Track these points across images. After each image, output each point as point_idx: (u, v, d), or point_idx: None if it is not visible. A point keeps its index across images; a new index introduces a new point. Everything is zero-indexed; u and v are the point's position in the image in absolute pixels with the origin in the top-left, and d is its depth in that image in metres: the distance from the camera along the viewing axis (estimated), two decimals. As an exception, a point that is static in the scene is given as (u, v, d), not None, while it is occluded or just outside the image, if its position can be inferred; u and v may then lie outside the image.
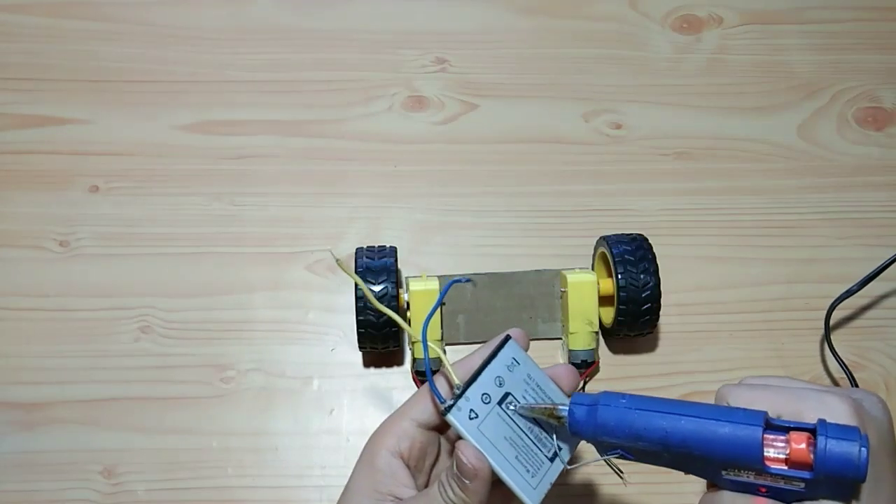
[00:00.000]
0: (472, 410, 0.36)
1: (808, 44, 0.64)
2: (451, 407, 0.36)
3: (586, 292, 0.50)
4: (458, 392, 0.36)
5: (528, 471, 0.36)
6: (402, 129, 0.60)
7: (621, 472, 0.49)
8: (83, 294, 0.54)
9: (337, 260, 0.38)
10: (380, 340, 0.49)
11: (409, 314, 0.50)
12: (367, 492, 0.37)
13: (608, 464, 0.49)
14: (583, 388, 0.52)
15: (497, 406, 0.36)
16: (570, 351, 0.51)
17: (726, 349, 0.54)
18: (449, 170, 0.59)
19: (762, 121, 0.61)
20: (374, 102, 0.61)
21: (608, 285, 0.51)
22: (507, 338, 0.38)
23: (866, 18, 0.65)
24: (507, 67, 0.63)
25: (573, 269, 0.52)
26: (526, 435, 0.37)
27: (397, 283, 0.49)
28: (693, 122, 0.61)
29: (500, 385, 0.37)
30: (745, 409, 0.33)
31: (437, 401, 0.36)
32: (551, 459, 0.37)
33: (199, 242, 0.56)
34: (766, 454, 0.31)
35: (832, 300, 0.54)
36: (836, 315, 0.54)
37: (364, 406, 0.52)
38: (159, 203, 0.57)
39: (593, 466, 0.50)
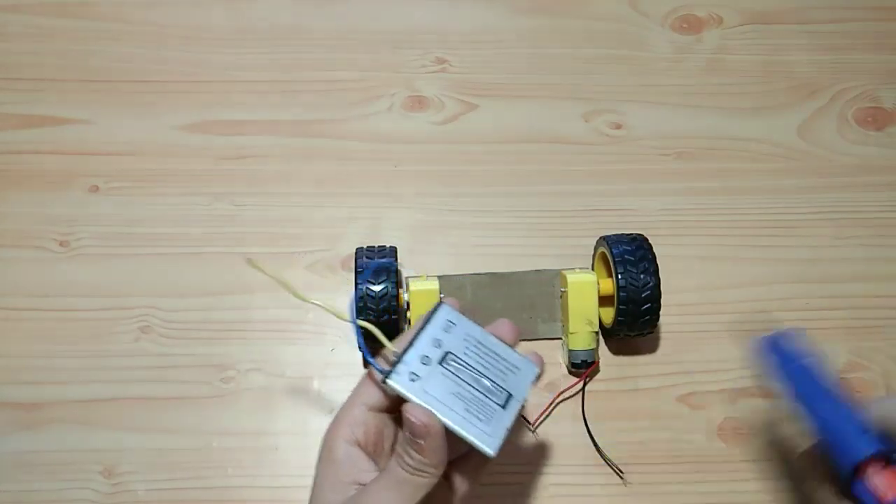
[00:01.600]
0: (412, 373, 0.37)
1: (808, 44, 0.64)
2: (388, 373, 0.37)
3: (586, 292, 0.50)
4: (395, 359, 0.37)
5: (480, 420, 0.37)
6: (402, 129, 0.60)
7: (621, 472, 0.49)
8: (83, 294, 0.54)
9: (248, 259, 0.39)
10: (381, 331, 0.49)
11: (408, 314, 0.50)
12: (330, 484, 0.38)
13: (608, 463, 0.49)
14: (583, 388, 0.52)
15: (438, 365, 0.37)
16: (570, 351, 0.51)
17: (726, 349, 0.54)
18: (449, 170, 0.59)
19: (762, 121, 0.61)
20: (374, 102, 0.61)
21: (608, 285, 0.51)
22: (440, 303, 0.39)
23: (866, 18, 0.65)
24: (507, 67, 0.63)
25: (573, 269, 0.52)
26: (473, 387, 0.37)
27: (397, 283, 0.49)
28: (693, 122, 0.61)
29: (439, 346, 0.38)
30: (870, 433, 0.37)
31: (376, 372, 0.37)
32: (503, 406, 0.38)
33: (199, 242, 0.56)
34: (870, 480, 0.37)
35: (833, 300, 0.54)
36: (836, 314, 0.54)
37: (364, 406, 0.52)
38: (159, 203, 0.57)
39: (593, 468, 0.50)
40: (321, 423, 0.51)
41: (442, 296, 0.44)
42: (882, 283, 0.55)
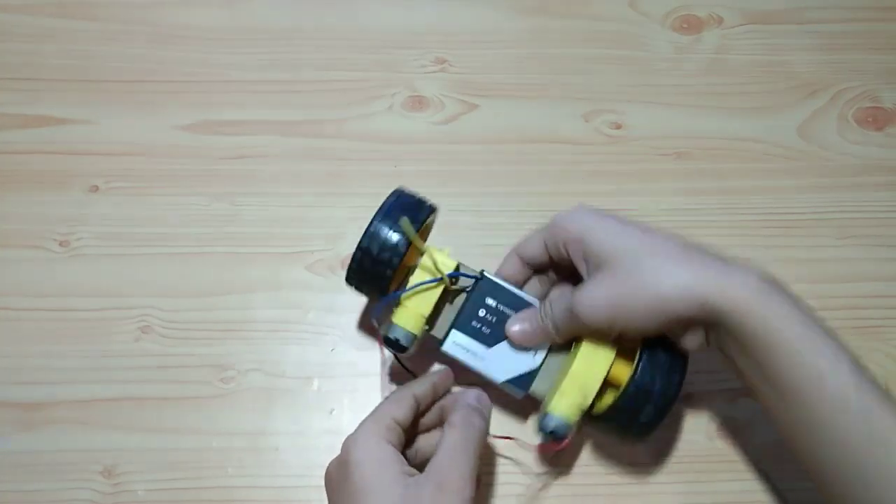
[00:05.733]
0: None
1: (808, 44, 0.64)
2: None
3: (597, 364, 0.44)
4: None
5: None
6: (402, 129, 0.60)
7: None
8: (83, 294, 0.54)
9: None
10: (368, 280, 0.46)
11: (410, 277, 0.46)
12: (390, 478, 0.39)
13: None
14: (550, 460, 0.49)
15: None
16: (547, 412, 0.44)
17: (726, 349, 0.54)
18: (449, 170, 0.59)
19: (762, 121, 0.61)
20: (374, 102, 0.61)
21: (622, 372, 0.44)
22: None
23: (866, 18, 0.65)
24: (507, 67, 0.63)
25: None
26: None
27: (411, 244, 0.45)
28: (693, 122, 0.61)
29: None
30: None
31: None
32: None
33: (199, 242, 0.56)
34: None
35: (832, 300, 0.54)
36: (836, 314, 0.54)
37: (364, 406, 0.52)
38: (159, 203, 0.57)
39: (594, 468, 0.50)
40: (321, 423, 0.51)
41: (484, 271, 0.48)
42: (882, 283, 0.56)
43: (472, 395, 0.43)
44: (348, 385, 0.52)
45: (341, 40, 0.63)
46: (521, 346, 0.46)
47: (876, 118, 0.61)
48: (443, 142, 0.60)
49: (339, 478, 0.41)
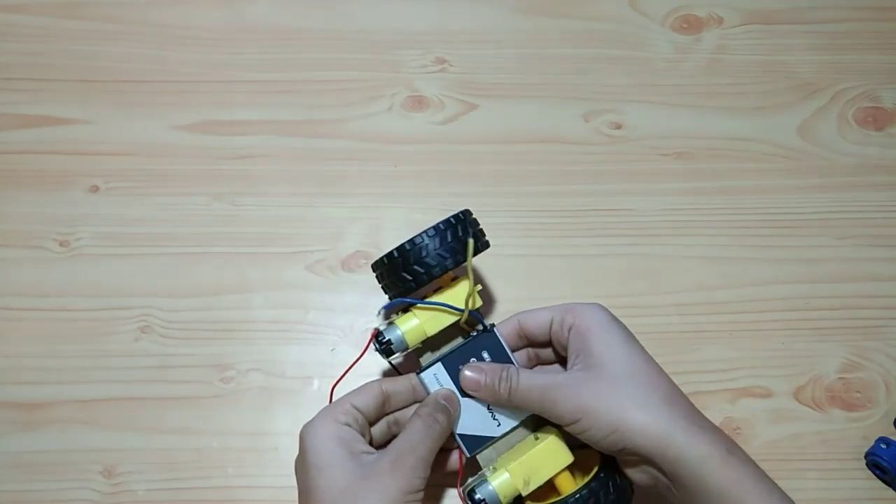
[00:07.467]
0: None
1: (808, 44, 0.64)
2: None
3: (553, 462, 0.44)
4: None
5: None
6: (402, 129, 0.60)
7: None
8: (83, 294, 0.54)
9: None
10: (390, 277, 0.45)
11: (434, 293, 0.45)
12: (341, 458, 0.41)
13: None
14: None
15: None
16: (484, 481, 0.43)
17: (726, 349, 0.54)
18: (449, 170, 0.59)
19: (762, 121, 0.61)
20: (374, 102, 0.61)
21: (568, 483, 0.44)
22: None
23: (866, 18, 0.65)
24: (507, 67, 0.63)
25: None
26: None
27: (446, 272, 0.45)
28: (693, 122, 0.61)
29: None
30: None
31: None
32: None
33: (199, 242, 0.56)
34: None
35: (832, 300, 0.54)
36: (836, 314, 0.54)
37: (364, 406, 0.52)
38: (159, 203, 0.57)
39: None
40: (321, 423, 0.51)
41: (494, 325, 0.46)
42: (882, 283, 0.56)
43: (443, 394, 0.45)
44: (349, 385, 0.52)
45: (341, 40, 0.63)
46: (467, 389, 0.45)
47: (876, 118, 0.61)
48: (443, 142, 0.60)
49: (298, 463, 0.43)
